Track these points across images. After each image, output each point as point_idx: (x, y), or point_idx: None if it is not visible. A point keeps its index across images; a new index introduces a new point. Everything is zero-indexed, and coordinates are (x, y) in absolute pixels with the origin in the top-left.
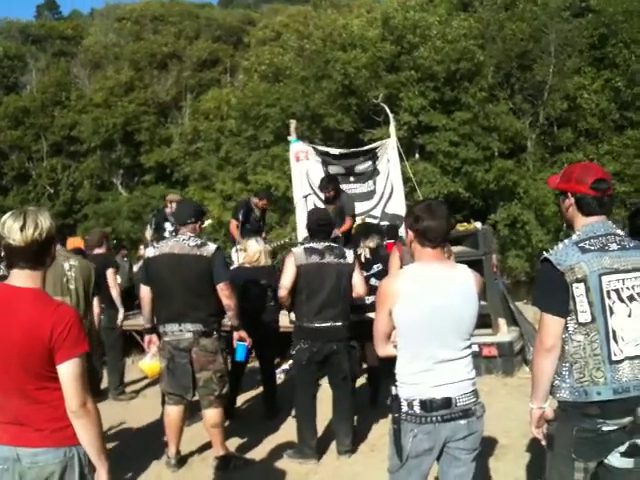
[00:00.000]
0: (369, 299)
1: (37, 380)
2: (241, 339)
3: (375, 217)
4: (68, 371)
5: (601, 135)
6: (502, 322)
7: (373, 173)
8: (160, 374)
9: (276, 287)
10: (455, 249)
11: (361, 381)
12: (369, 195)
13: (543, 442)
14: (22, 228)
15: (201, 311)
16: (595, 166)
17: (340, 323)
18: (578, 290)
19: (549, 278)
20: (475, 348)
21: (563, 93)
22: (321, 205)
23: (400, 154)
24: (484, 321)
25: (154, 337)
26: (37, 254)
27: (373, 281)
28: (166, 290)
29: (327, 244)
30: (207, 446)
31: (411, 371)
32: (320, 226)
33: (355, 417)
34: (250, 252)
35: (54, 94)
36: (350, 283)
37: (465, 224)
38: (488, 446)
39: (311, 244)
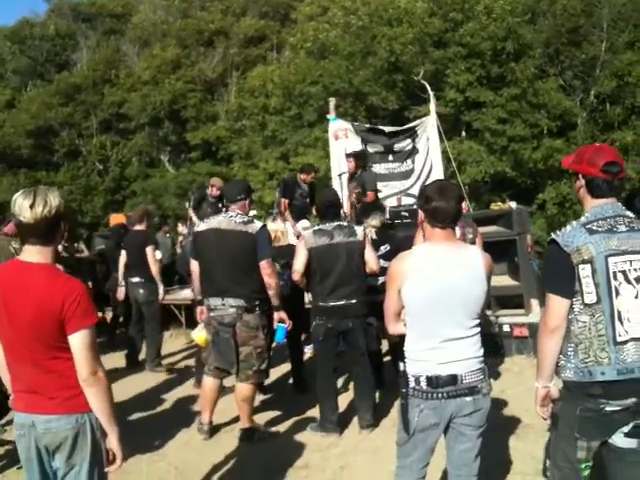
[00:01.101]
0: (380, 279)
1: (49, 350)
2: (281, 320)
3: (413, 196)
4: (78, 341)
5: None
6: (535, 303)
7: (412, 152)
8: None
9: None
10: (489, 229)
11: (386, 358)
12: (407, 174)
13: (548, 421)
14: (32, 206)
15: (243, 287)
16: (608, 148)
17: (355, 300)
18: (584, 271)
19: (555, 259)
20: (506, 328)
21: (614, 69)
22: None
23: (440, 133)
24: (517, 301)
25: (205, 308)
26: (47, 231)
27: (382, 262)
28: (211, 264)
29: (336, 224)
30: (235, 418)
31: (418, 348)
32: (328, 207)
33: (378, 393)
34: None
35: (104, 72)
36: (362, 260)
37: (499, 204)
38: (510, 425)
39: (320, 226)
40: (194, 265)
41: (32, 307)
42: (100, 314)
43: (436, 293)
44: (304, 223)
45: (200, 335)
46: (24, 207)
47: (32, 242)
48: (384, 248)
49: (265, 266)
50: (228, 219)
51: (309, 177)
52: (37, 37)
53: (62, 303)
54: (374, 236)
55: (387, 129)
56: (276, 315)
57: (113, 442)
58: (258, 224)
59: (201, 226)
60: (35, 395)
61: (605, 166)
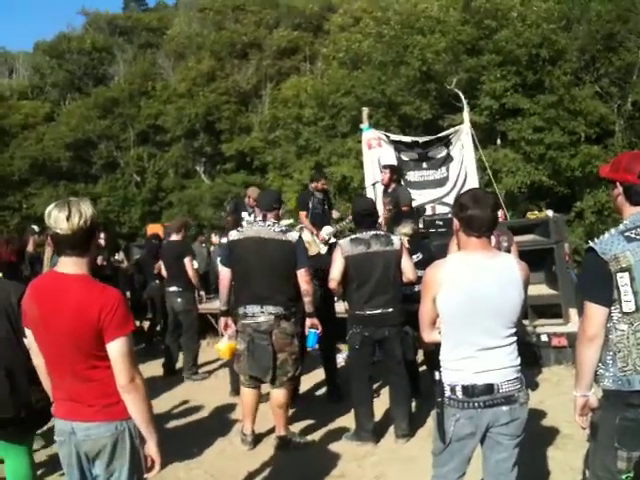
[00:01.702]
0: (417, 287)
1: (88, 359)
2: (313, 326)
3: (448, 204)
4: (116, 349)
5: None
6: (573, 312)
7: (446, 159)
8: (235, 355)
9: (326, 275)
10: (526, 238)
11: (422, 367)
12: (442, 182)
13: (587, 431)
14: (68, 217)
15: (282, 294)
16: None
17: (391, 309)
18: (622, 279)
19: (593, 267)
20: (544, 338)
21: None
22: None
23: (475, 141)
24: (554, 311)
25: (229, 320)
26: (83, 241)
27: None
28: (250, 272)
29: (373, 233)
30: (270, 427)
31: (454, 357)
32: (364, 216)
33: (414, 402)
34: None
35: (140, 84)
36: (399, 269)
37: (536, 212)
38: (549, 435)
39: (357, 235)
40: (225, 273)
41: (69, 318)
42: (137, 323)
43: (471, 301)
44: (327, 229)
45: (226, 346)
46: (60, 219)
47: (68, 254)
48: (416, 257)
49: (304, 273)
50: (267, 228)
51: (320, 184)
52: (75, 51)
53: (99, 313)
54: (406, 245)
55: (421, 140)
56: (308, 321)
57: (152, 448)
58: (295, 233)
59: (236, 235)
60: (75, 403)
61: None
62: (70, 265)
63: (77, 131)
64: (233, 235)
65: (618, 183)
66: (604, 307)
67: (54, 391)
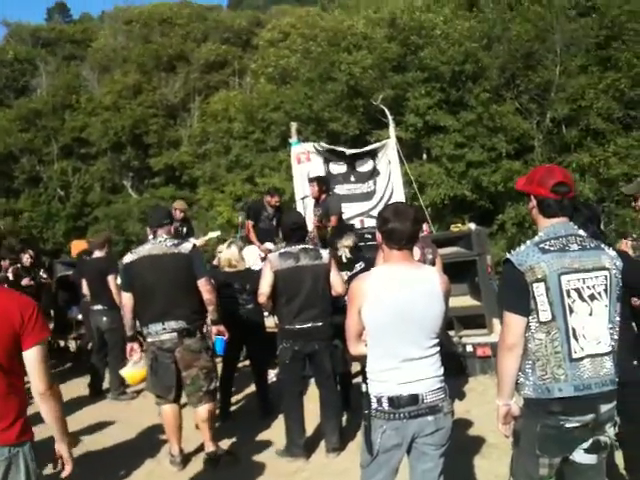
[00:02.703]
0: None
1: None
2: (219, 333)
3: (375, 217)
4: (36, 355)
5: (608, 135)
6: (496, 322)
7: (373, 173)
8: (143, 380)
9: (256, 290)
10: (449, 250)
11: (356, 379)
12: (369, 195)
13: (511, 439)
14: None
15: (183, 308)
16: (558, 169)
17: (320, 323)
18: (538, 290)
19: (511, 278)
20: (469, 348)
21: (569, 93)
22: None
23: (400, 156)
24: (479, 321)
25: (135, 345)
26: None
27: None
28: (148, 291)
29: (302, 247)
30: (198, 444)
31: (380, 369)
32: (293, 230)
33: (345, 415)
34: (222, 258)
35: (64, 97)
36: (328, 283)
37: (459, 225)
38: (475, 444)
39: (286, 249)
40: (126, 298)
41: None
42: (62, 343)
43: (394, 313)
44: (268, 246)
45: (132, 372)
46: None
47: None
48: (359, 266)
49: (204, 283)
50: (158, 244)
51: (273, 200)
52: None
53: (21, 316)
54: (349, 255)
55: (348, 152)
56: (214, 329)
57: (65, 450)
58: (189, 244)
59: (130, 257)
60: None
61: (555, 187)
62: None
63: None
64: (127, 258)
65: (532, 196)
66: (522, 317)
67: None
